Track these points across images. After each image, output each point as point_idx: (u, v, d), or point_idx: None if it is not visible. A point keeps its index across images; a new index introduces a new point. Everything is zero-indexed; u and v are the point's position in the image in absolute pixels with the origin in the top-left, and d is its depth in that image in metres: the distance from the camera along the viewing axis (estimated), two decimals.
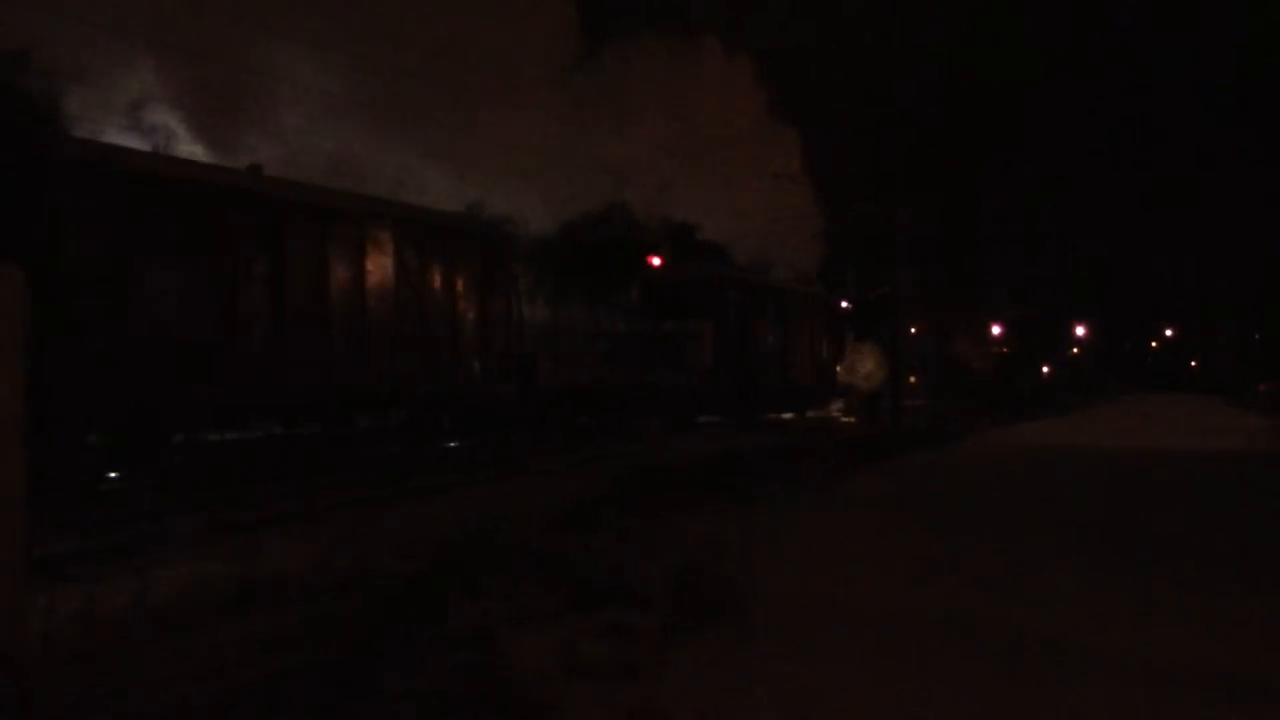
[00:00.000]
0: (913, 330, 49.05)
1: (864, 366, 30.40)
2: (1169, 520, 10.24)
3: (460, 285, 17.50)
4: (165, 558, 7.60)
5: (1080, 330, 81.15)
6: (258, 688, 4.95)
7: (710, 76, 29.01)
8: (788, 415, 28.64)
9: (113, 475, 12.37)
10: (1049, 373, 54.33)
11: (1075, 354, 79.81)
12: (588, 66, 24.97)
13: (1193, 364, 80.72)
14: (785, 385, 28.37)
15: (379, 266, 15.86)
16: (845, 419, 29.16)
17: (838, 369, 31.05)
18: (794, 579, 7.28)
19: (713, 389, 24.49)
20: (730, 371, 24.95)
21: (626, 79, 26.00)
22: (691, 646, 5.58)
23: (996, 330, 57.84)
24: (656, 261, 22.42)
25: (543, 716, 4.69)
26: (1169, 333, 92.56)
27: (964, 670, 5.27)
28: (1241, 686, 5.04)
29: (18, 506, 4.59)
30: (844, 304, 32.70)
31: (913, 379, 44.22)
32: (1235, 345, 46.31)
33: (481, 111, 20.94)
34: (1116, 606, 6.61)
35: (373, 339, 15.71)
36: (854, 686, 5.04)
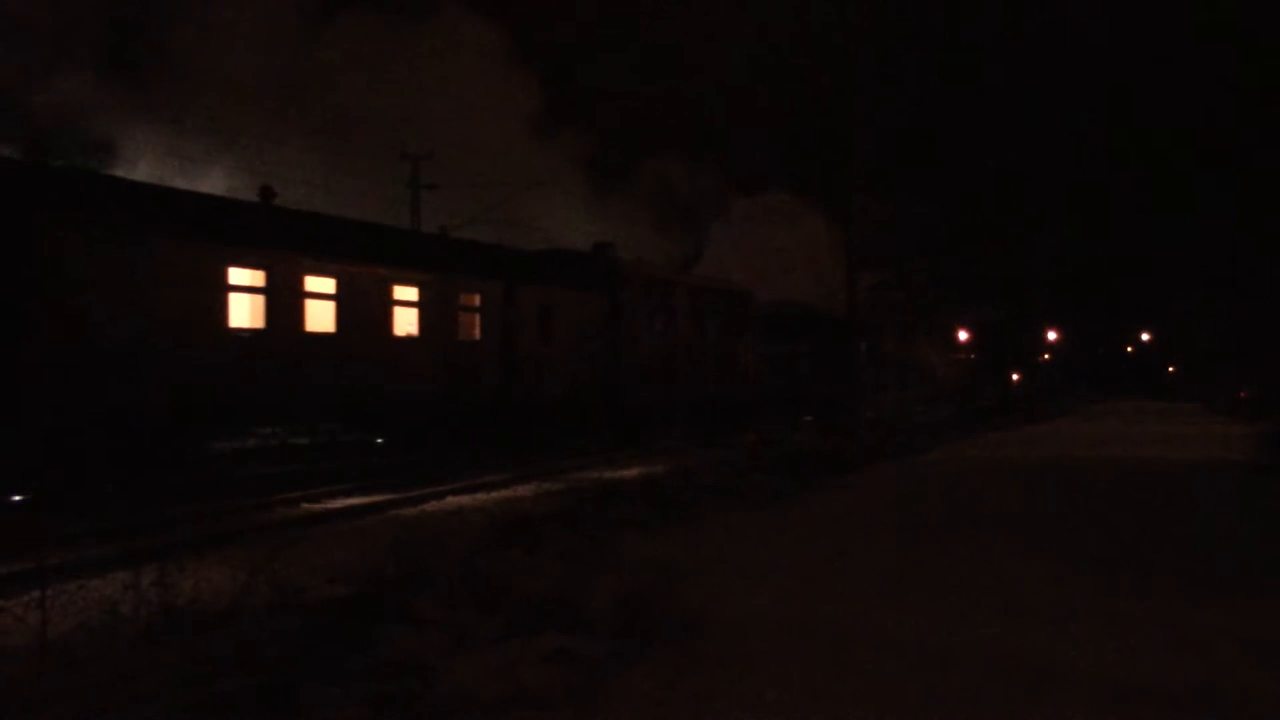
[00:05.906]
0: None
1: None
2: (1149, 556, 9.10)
3: (726, 327, 27.86)
4: None
5: (1052, 335, 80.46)
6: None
7: None
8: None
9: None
10: (1018, 380, 53.18)
11: (1046, 359, 79.31)
12: None
13: (1170, 370, 79.72)
14: (839, 388, 37.70)
15: (709, 319, 26.61)
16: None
17: None
18: (742, 597, 7.11)
19: (811, 392, 34.29)
20: (819, 380, 34.95)
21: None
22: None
23: (963, 336, 56.54)
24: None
25: None
26: (1145, 337, 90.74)
27: (900, 684, 5.18)
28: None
29: None
30: None
31: None
32: (1215, 350, 45.42)
33: None
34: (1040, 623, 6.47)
35: (706, 362, 26.37)
36: (797, 708, 4.89)
